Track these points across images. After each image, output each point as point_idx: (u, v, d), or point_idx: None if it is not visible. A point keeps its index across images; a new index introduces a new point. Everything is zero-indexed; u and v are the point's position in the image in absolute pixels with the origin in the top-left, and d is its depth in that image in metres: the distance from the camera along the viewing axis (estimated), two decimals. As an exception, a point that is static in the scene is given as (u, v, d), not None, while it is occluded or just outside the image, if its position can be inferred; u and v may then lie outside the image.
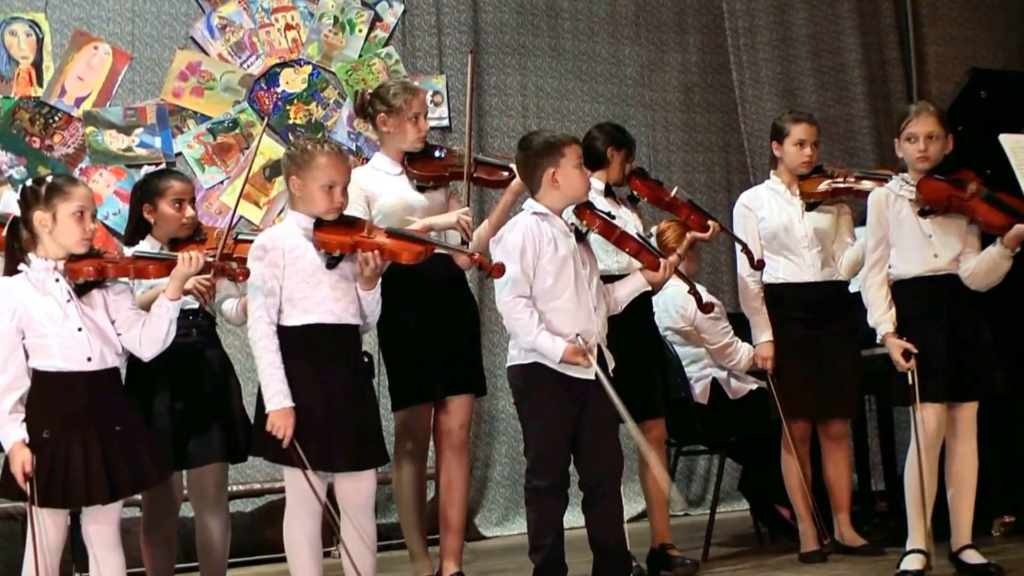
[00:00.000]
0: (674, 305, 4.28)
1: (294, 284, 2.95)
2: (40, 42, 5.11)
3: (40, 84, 5.10)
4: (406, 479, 3.51)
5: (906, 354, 3.24)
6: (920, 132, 3.33)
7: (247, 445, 3.27)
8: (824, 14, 6.34)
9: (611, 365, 3.28)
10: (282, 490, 4.68)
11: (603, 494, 3.25)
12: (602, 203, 3.70)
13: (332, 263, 2.98)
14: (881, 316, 3.32)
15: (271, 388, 2.89)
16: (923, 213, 3.31)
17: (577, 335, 3.11)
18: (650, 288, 3.47)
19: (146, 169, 3.82)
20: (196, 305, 3.24)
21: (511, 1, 5.88)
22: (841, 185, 3.87)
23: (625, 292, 3.42)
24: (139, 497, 3.29)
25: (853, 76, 6.27)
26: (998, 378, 3.31)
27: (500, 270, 3.10)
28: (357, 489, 2.99)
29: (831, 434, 3.93)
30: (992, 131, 3.96)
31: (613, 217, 3.40)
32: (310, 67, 5.52)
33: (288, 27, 5.50)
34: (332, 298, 2.97)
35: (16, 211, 2.88)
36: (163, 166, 5.01)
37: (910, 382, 3.22)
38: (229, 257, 3.19)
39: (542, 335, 3.12)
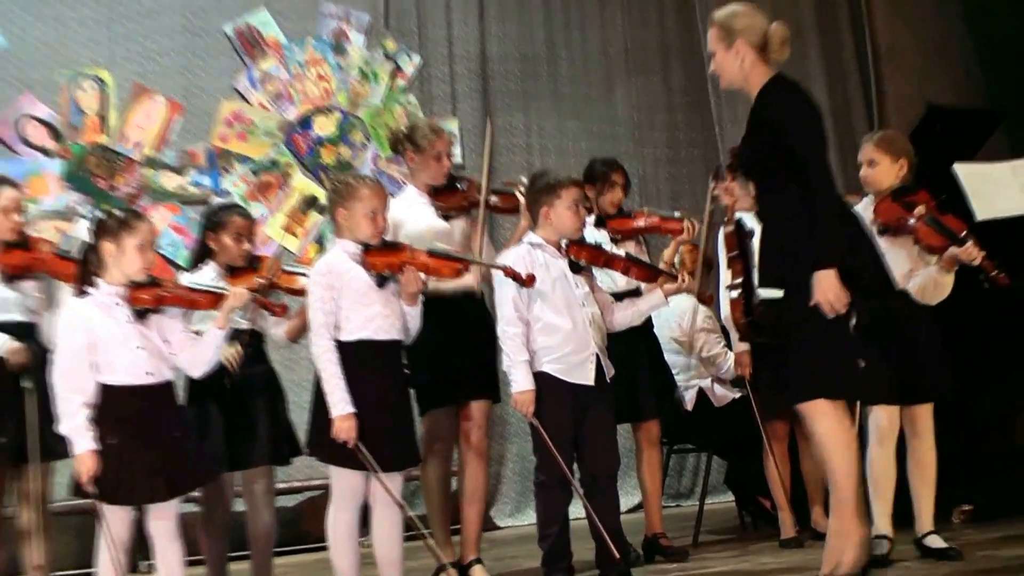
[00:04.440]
0: (674, 317, 4.34)
1: (349, 304, 3.00)
2: (104, 95, 5.20)
3: (105, 132, 5.19)
4: (433, 476, 3.54)
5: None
6: (861, 159, 3.38)
7: (291, 449, 3.33)
8: (792, 54, 6.30)
9: (610, 373, 3.33)
10: (320, 487, 4.69)
11: (602, 487, 3.28)
12: (592, 232, 3.76)
13: (382, 282, 3.04)
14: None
15: (335, 396, 2.93)
16: (880, 232, 3.32)
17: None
18: (668, 303, 3.52)
19: (217, 201, 3.88)
20: (247, 325, 3.31)
21: (515, 52, 5.98)
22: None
23: (646, 305, 3.48)
24: (198, 495, 3.34)
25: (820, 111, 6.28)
26: (945, 384, 3.27)
27: (531, 280, 3.17)
28: (391, 486, 3.01)
29: (805, 432, 3.93)
30: (948, 160, 3.98)
31: (600, 245, 3.47)
32: (340, 113, 5.60)
33: (320, 78, 5.58)
34: (382, 315, 3.02)
35: (87, 238, 2.95)
36: (232, 199, 5.06)
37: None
38: (277, 287, 3.26)
39: (522, 367, 3.19)
